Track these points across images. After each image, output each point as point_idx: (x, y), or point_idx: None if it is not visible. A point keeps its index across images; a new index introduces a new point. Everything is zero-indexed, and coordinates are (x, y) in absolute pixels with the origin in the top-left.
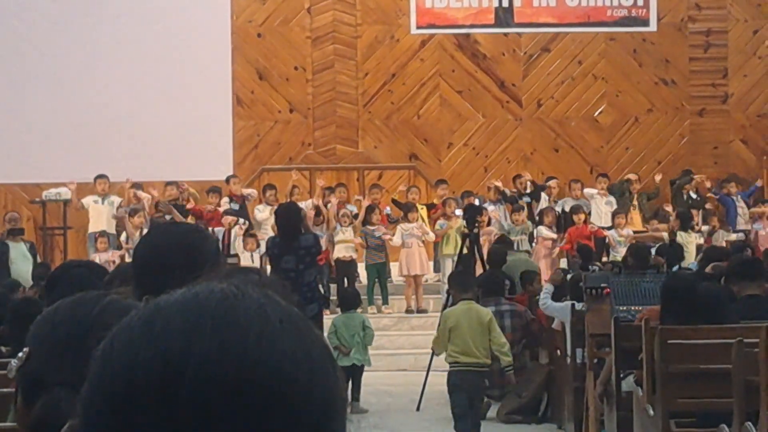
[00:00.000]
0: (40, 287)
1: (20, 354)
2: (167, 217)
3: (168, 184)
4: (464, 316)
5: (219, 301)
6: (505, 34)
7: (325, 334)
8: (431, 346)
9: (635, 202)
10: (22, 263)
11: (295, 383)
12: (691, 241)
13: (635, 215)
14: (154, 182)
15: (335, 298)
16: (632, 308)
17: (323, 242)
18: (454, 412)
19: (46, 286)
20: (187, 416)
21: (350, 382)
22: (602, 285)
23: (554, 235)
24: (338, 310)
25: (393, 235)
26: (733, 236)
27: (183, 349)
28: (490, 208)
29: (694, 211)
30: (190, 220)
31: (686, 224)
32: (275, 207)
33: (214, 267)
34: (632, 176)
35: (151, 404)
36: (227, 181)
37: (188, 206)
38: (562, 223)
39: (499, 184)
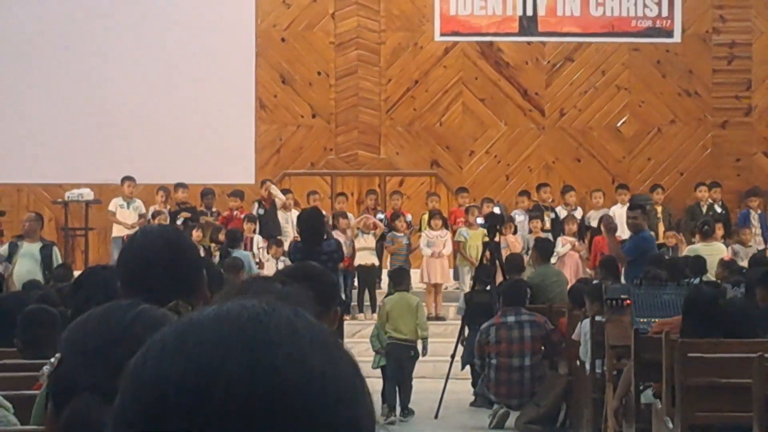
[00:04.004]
0: (57, 289)
1: (52, 359)
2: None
3: (178, 185)
4: (397, 303)
5: (250, 319)
6: (529, 43)
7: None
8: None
9: (660, 215)
10: (23, 263)
11: (323, 401)
12: (713, 254)
13: (660, 227)
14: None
15: (356, 304)
16: (653, 320)
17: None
18: (386, 374)
19: (72, 288)
20: (217, 429)
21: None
22: (623, 296)
23: (575, 242)
24: (359, 316)
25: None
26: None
27: (215, 365)
28: (519, 218)
29: (717, 224)
30: (208, 220)
31: (707, 236)
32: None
33: (199, 268)
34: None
35: (182, 418)
36: (261, 184)
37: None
38: (586, 234)
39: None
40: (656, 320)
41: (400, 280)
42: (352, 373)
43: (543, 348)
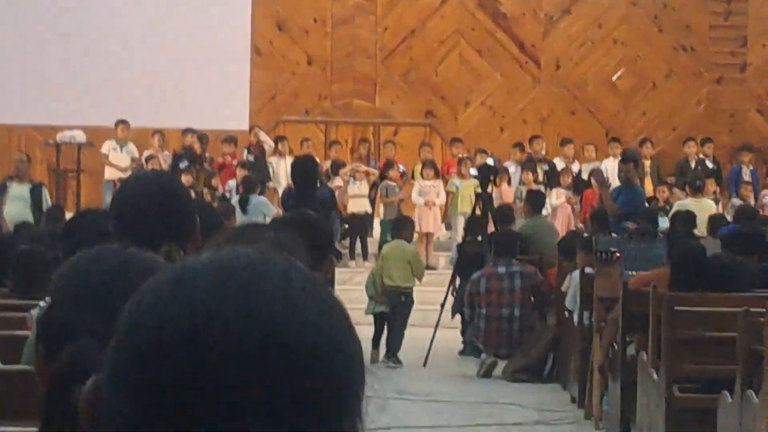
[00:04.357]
0: (49, 230)
1: (41, 303)
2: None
3: (185, 132)
4: (393, 250)
5: (245, 266)
6: None
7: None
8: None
9: (648, 170)
10: (13, 204)
11: (316, 349)
12: (702, 209)
13: (647, 182)
14: (170, 129)
15: (348, 251)
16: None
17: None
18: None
19: (63, 232)
20: (211, 376)
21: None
22: (613, 249)
23: (570, 194)
24: (350, 263)
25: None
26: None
27: (210, 311)
28: (512, 170)
29: (709, 180)
30: (206, 167)
31: (698, 191)
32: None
33: (192, 214)
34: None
35: (176, 363)
36: (250, 131)
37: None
38: (580, 187)
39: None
40: (633, 273)
41: (400, 227)
42: (343, 322)
43: (532, 299)
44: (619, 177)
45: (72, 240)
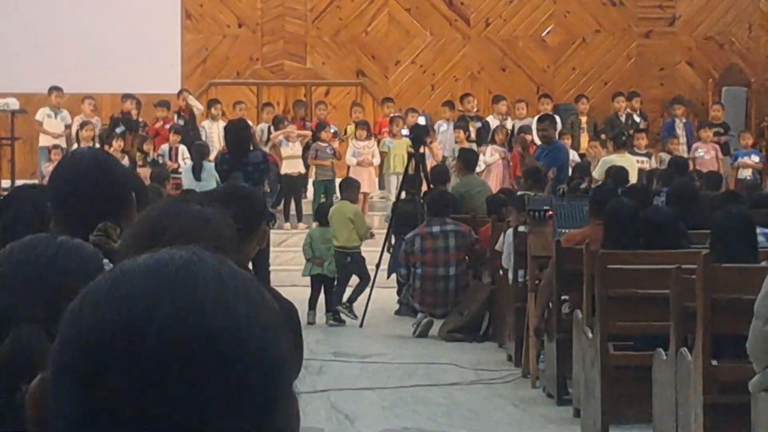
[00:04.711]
0: None
1: None
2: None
3: (123, 97)
4: (337, 211)
5: (179, 268)
6: None
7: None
8: None
9: (584, 126)
10: None
11: (247, 346)
12: (625, 165)
13: (584, 138)
14: (102, 94)
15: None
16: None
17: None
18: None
19: (0, 205)
20: (148, 373)
21: (324, 294)
22: (545, 207)
23: (504, 151)
24: (285, 225)
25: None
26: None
27: (146, 313)
28: (443, 128)
29: (639, 134)
30: (141, 133)
31: (620, 145)
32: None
33: (127, 191)
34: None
35: (116, 361)
36: (178, 95)
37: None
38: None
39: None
40: (566, 230)
41: (345, 189)
42: (272, 320)
43: (467, 258)
44: (539, 136)
45: (10, 214)
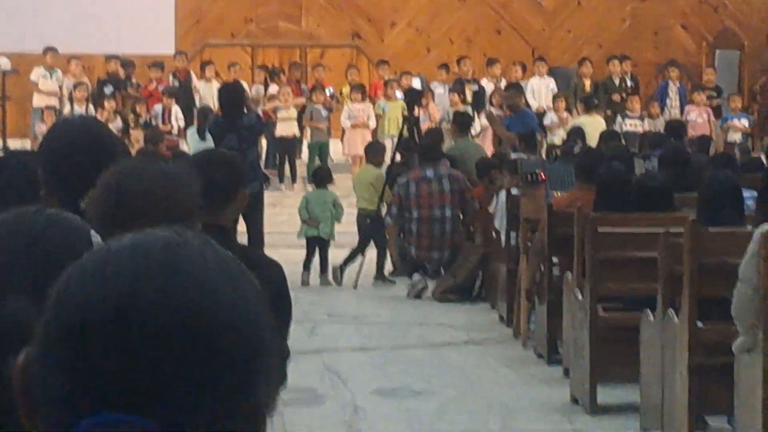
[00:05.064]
0: None
1: None
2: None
3: (108, 58)
4: (360, 175)
5: (163, 249)
6: None
7: (266, 210)
8: None
9: (588, 89)
10: None
11: (229, 327)
12: (594, 126)
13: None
14: (93, 55)
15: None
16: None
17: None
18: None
19: None
20: (133, 351)
21: (319, 256)
22: (537, 171)
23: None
24: (280, 186)
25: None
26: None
27: (131, 292)
28: (438, 90)
29: (632, 97)
30: (131, 93)
31: (590, 107)
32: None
33: (117, 159)
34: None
35: (101, 340)
36: (175, 56)
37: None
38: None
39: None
40: (558, 193)
41: (370, 152)
42: (255, 299)
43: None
44: (506, 105)
45: (1, 180)
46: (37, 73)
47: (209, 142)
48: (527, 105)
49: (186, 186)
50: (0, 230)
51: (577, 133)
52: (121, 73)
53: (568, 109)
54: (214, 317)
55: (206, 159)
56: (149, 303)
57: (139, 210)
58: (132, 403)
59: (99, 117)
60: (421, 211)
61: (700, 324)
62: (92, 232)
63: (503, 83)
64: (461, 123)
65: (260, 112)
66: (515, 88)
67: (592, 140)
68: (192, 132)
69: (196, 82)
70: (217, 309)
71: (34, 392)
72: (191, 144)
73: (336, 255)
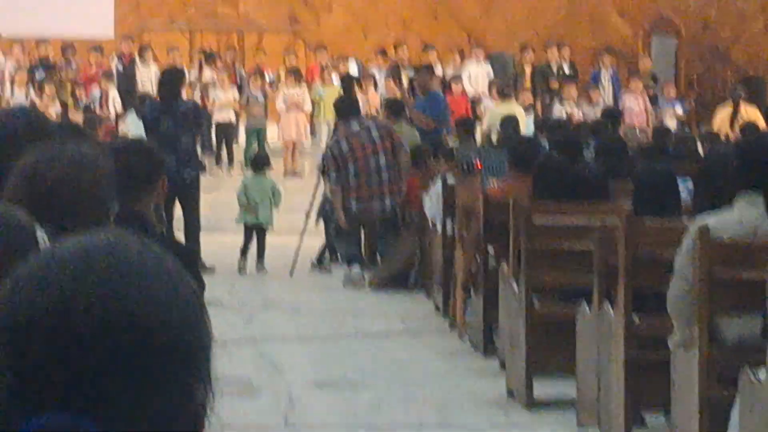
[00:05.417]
0: None
1: None
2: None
3: (40, 42)
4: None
5: (104, 252)
6: None
7: (198, 193)
8: None
9: (529, 77)
10: None
11: (167, 325)
12: (518, 113)
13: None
14: (32, 38)
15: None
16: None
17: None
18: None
19: None
20: (75, 352)
21: (256, 242)
22: (473, 159)
23: None
24: (216, 169)
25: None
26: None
27: (73, 294)
28: (377, 75)
29: (569, 85)
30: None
31: (505, 95)
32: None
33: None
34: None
35: (44, 341)
36: (120, 41)
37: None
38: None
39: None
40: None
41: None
42: (192, 300)
43: (391, 147)
44: (416, 85)
45: None
46: None
47: None
48: (448, 88)
49: (99, 167)
50: None
51: (511, 121)
52: (53, 57)
53: (506, 95)
54: (153, 317)
55: (124, 147)
56: (90, 304)
57: (53, 195)
58: (75, 403)
59: (38, 102)
60: (357, 164)
61: (635, 317)
62: (36, 225)
63: (439, 69)
64: (394, 109)
65: (197, 98)
66: (425, 69)
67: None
68: (132, 116)
69: (140, 67)
70: (156, 309)
71: None
72: (131, 128)
73: (273, 241)
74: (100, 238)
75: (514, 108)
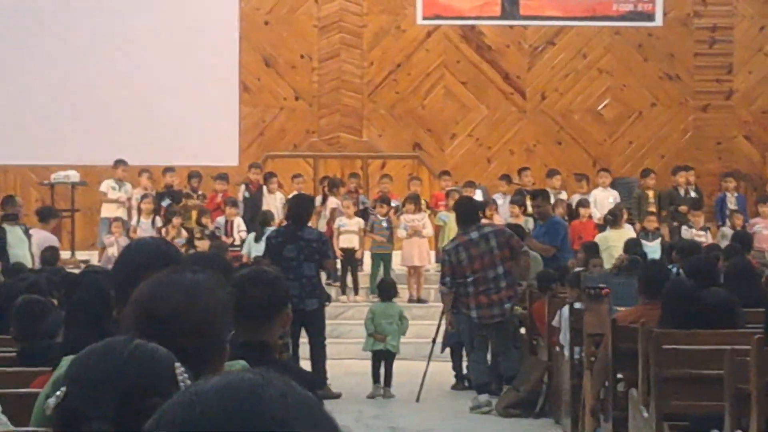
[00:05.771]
0: (46, 276)
1: (58, 393)
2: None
3: (165, 171)
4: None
5: (248, 391)
6: (511, 27)
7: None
8: None
9: (651, 200)
10: (18, 247)
11: None
12: (617, 239)
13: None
14: (160, 166)
15: (340, 285)
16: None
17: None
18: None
19: (65, 291)
20: None
21: (383, 368)
22: (600, 285)
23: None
24: (342, 298)
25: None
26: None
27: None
28: (500, 201)
29: (696, 212)
30: (192, 205)
31: (616, 222)
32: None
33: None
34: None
35: None
36: (249, 168)
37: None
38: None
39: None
40: (619, 309)
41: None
42: None
43: (509, 254)
44: (534, 212)
45: (76, 297)
46: (106, 185)
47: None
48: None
49: (213, 298)
50: (90, 357)
51: (635, 246)
52: (179, 184)
53: (630, 221)
54: None
55: (249, 278)
56: None
57: (167, 322)
58: None
59: (165, 234)
60: (476, 275)
61: None
62: (176, 363)
63: (563, 194)
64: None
65: (323, 226)
66: (542, 196)
67: (610, 257)
68: (251, 237)
69: (267, 195)
70: None
71: None
72: (247, 247)
73: (399, 367)
74: (244, 377)
75: (625, 232)
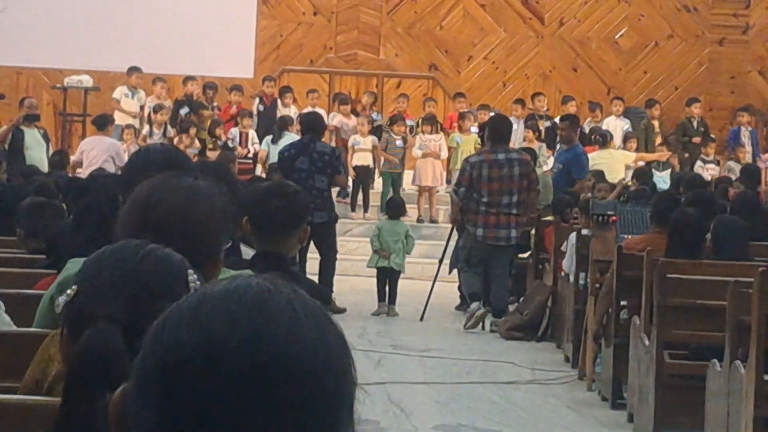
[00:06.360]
0: (54, 180)
1: (69, 291)
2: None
3: (185, 79)
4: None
5: (255, 295)
6: None
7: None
8: None
9: (657, 130)
10: (36, 149)
11: (314, 370)
12: (613, 159)
13: (657, 142)
14: (173, 75)
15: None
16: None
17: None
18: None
19: (74, 195)
20: (223, 390)
21: (387, 286)
22: (609, 212)
23: None
24: (351, 214)
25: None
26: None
27: (223, 335)
28: (513, 125)
29: (709, 143)
30: (207, 115)
31: (605, 143)
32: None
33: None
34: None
35: (192, 381)
36: (263, 81)
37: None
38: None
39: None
40: (627, 236)
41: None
42: (340, 345)
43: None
44: (560, 136)
45: (82, 200)
46: (119, 92)
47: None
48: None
49: (214, 202)
50: (103, 258)
51: (645, 175)
52: (197, 95)
53: (639, 150)
54: (300, 360)
55: (269, 191)
56: (240, 346)
57: (163, 224)
58: None
59: (178, 143)
60: (491, 197)
61: (766, 377)
62: (189, 270)
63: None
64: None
65: (334, 142)
66: (570, 120)
67: (609, 172)
68: (268, 138)
69: (281, 108)
70: (304, 356)
71: (129, 425)
72: (264, 147)
73: (404, 286)
74: (251, 282)
75: (611, 153)
